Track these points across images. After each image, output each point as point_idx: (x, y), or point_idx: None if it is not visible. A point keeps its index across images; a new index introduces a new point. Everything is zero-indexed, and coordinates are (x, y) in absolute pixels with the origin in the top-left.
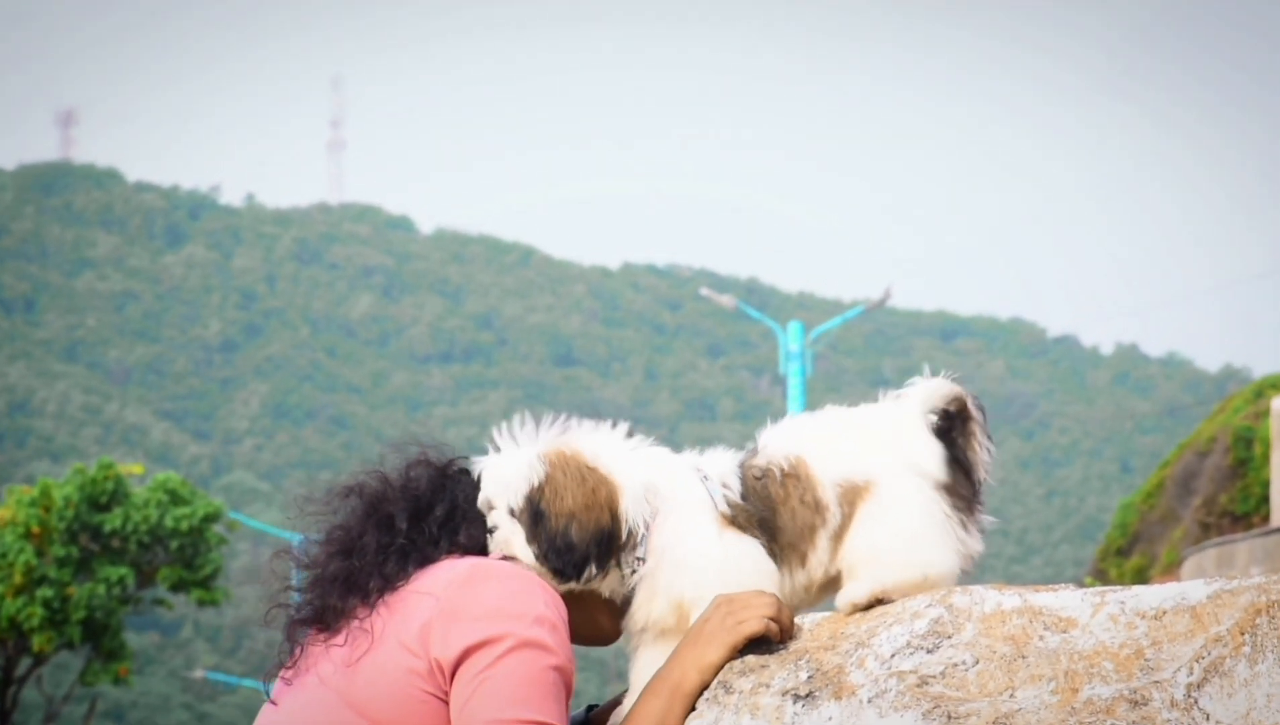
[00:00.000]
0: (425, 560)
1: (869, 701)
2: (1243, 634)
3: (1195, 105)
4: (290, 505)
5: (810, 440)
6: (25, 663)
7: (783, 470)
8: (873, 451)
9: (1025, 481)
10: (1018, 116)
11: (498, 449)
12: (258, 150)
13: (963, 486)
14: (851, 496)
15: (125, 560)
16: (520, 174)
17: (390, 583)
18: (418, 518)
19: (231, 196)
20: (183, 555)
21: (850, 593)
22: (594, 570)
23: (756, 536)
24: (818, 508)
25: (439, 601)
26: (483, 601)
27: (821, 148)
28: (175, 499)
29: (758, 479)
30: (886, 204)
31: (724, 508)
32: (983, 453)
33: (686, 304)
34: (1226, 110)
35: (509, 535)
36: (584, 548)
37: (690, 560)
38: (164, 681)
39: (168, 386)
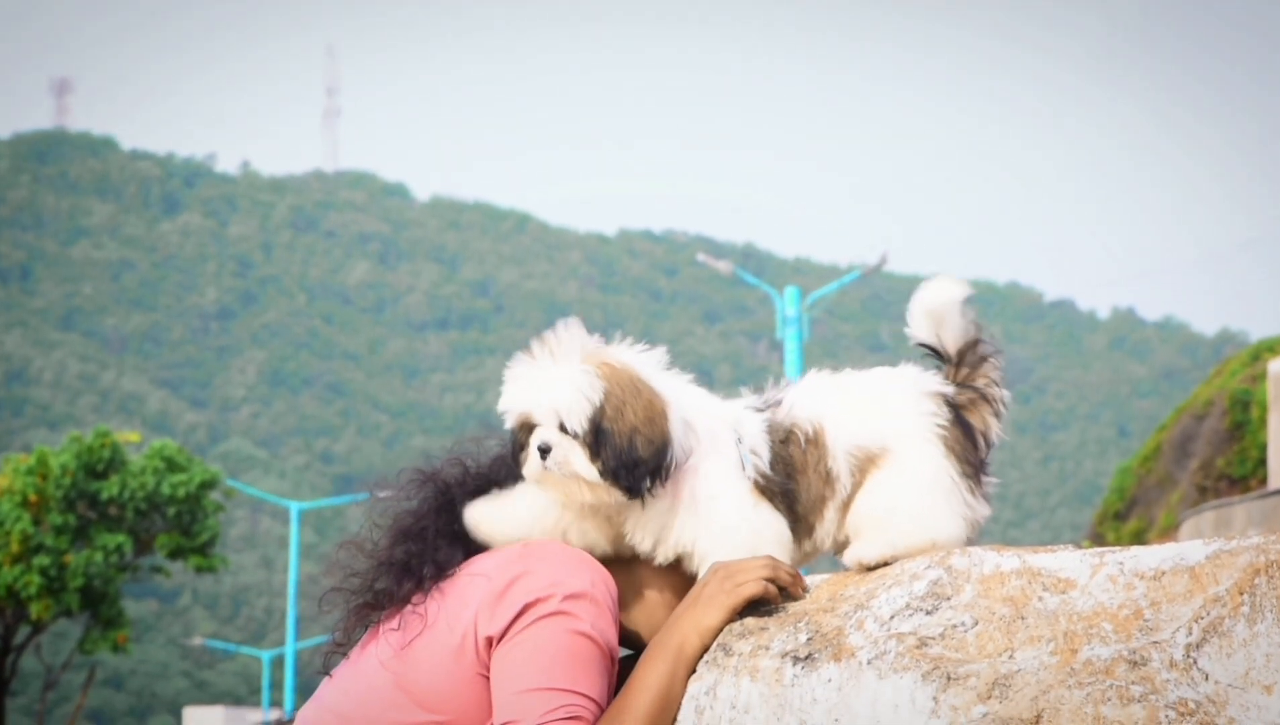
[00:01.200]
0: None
1: (868, 663)
2: (1241, 594)
3: (1195, 73)
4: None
5: (831, 404)
6: (24, 631)
7: (806, 436)
8: (888, 417)
9: (1022, 446)
10: (1017, 83)
11: (531, 361)
12: (253, 118)
13: (970, 453)
14: (864, 464)
15: (123, 528)
16: (516, 141)
17: (444, 569)
18: (453, 528)
19: (227, 164)
20: (180, 522)
21: (859, 552)
22: (655, 484)
23: (780, 510)
24: (829, 479)
25: (490, 581)
26: (529, 578)
27: (818, 113)
28: (172, 466)
29: (782, 442)
30: (883, 169)
31: (753, 475)
32: (994, 421)
33: (683, 270)
34: (1230, 76)
35: (567, 454)
36: (650, 461)
37: (718, 520)
38: (162, 649)
39: (164, 354)
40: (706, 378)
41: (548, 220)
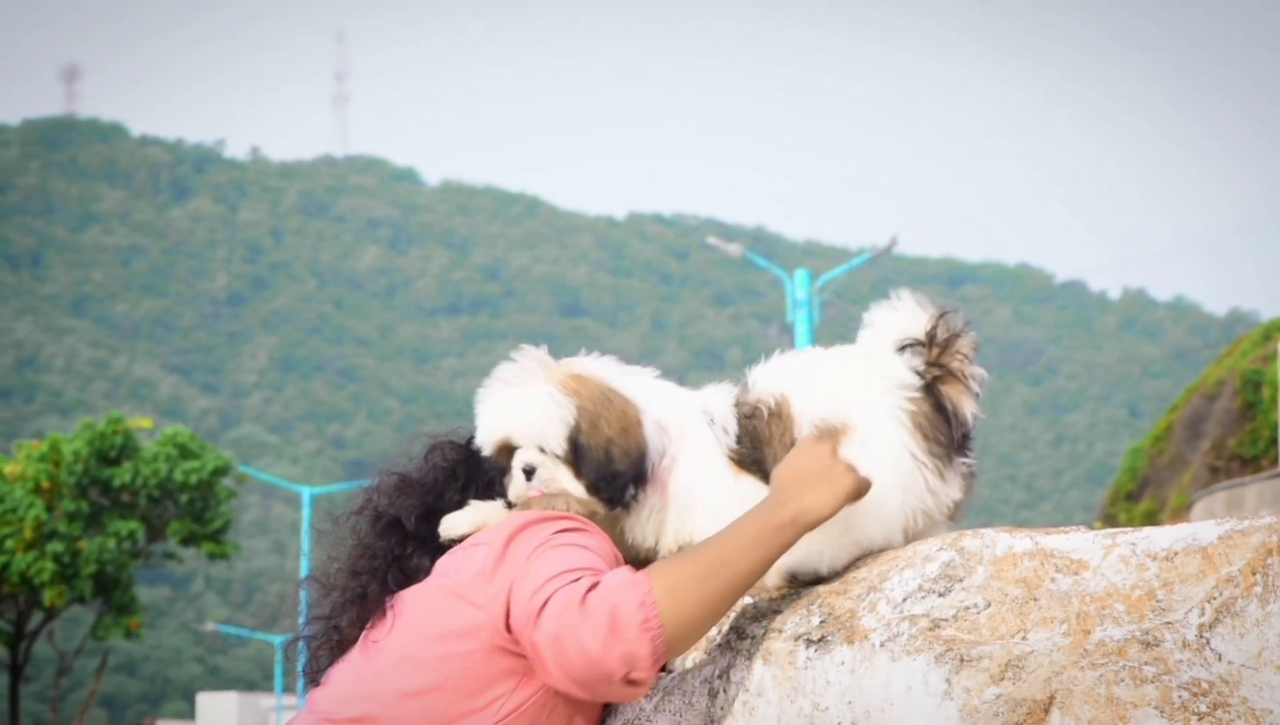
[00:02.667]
0: (440, 548)
1: (881, 645)
2: (1254, 574)
3: (1209, 52)
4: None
5: (795, 379)
6: (37, 617)
7: (769, 409)
8: (853, 393)
9: (1033, 427)
10: (1028, 64)
11: (502, 386)
12: (263, 103)
13: (941, 432)
14: (828, 438)
15: (135, 514)
16: (526, 125)
17: (407, 582)
18: (427, 515)
19: (237, 150)
20: (192, 509)
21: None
22: (636, 492)
23: (760, 479)
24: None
25: (491, 548)
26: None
27: (829, 96)
28: (184, 453)
29: (748, 417)
30: (894, 151)
31: (728, 451)
32: (967, 398)
33: (693, 253)
34: (1243, 56)
35: (553, 472)
36: (628, 470)
37: (705, 500)
38: (175, 635)
39: (175, 340)
40: (717, 361)
41: (558, 204)
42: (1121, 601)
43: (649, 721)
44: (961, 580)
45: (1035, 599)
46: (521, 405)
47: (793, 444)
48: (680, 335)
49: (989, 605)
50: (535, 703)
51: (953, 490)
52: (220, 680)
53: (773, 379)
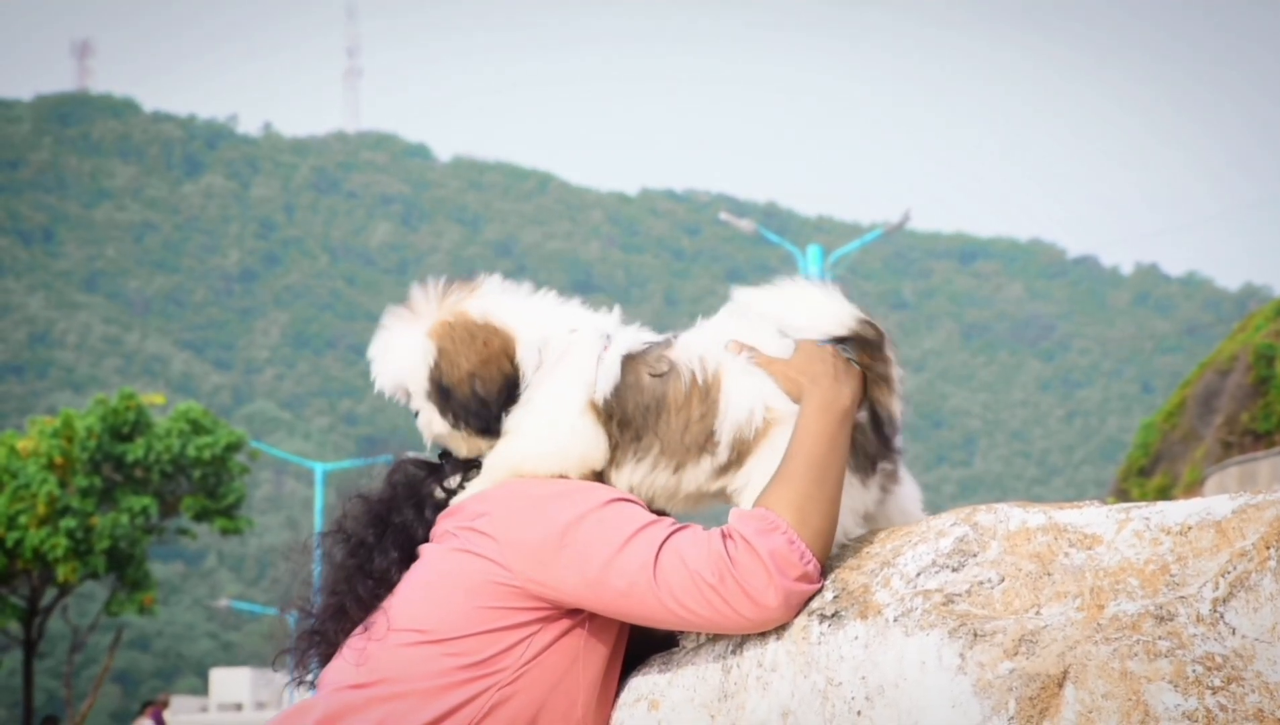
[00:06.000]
0: (409, 557)
1: (895, 620)
2: (1268, 548)
3: (1219, 26)
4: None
5: (731, 357)
6: (51, 593)
7: (694, 376)
8: (776, 393)
9: (1046, 403)
10: (1040, 40)
11: (381, 333)
12: (275, 79)
13: (869, 443)
14: (749, 432)
15: (148, 490)
16: (538, 100)
17: (379, 587)
18: (383, 532)
19: (249, 126)
20: (205, 485)
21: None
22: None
23: (609, 433)
24: (710, 438)
25: (498, 511)
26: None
27: (840, 70)
28: (197, 429)
29: (655, 376)
30: (906, 127)
31: (603, 393)
32: (892, 399)
33: (705, 229)
34: (1254, 30)
35: (430, 417)
36: (493, 401)
37: (533, 423)
38: (189, 610)
39: (188, 316)
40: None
41: (570, 180)
42: (1135, 576)
43: (662, 695)
44: (975, 555)
45: (1049, 574)
46: (391, 354)
47: (709, 434)
48: (692, 311)
49: (1003, 580)
50: (560, 649)
51: (869, 497)
52: (233, 656)
53: (708, 346)
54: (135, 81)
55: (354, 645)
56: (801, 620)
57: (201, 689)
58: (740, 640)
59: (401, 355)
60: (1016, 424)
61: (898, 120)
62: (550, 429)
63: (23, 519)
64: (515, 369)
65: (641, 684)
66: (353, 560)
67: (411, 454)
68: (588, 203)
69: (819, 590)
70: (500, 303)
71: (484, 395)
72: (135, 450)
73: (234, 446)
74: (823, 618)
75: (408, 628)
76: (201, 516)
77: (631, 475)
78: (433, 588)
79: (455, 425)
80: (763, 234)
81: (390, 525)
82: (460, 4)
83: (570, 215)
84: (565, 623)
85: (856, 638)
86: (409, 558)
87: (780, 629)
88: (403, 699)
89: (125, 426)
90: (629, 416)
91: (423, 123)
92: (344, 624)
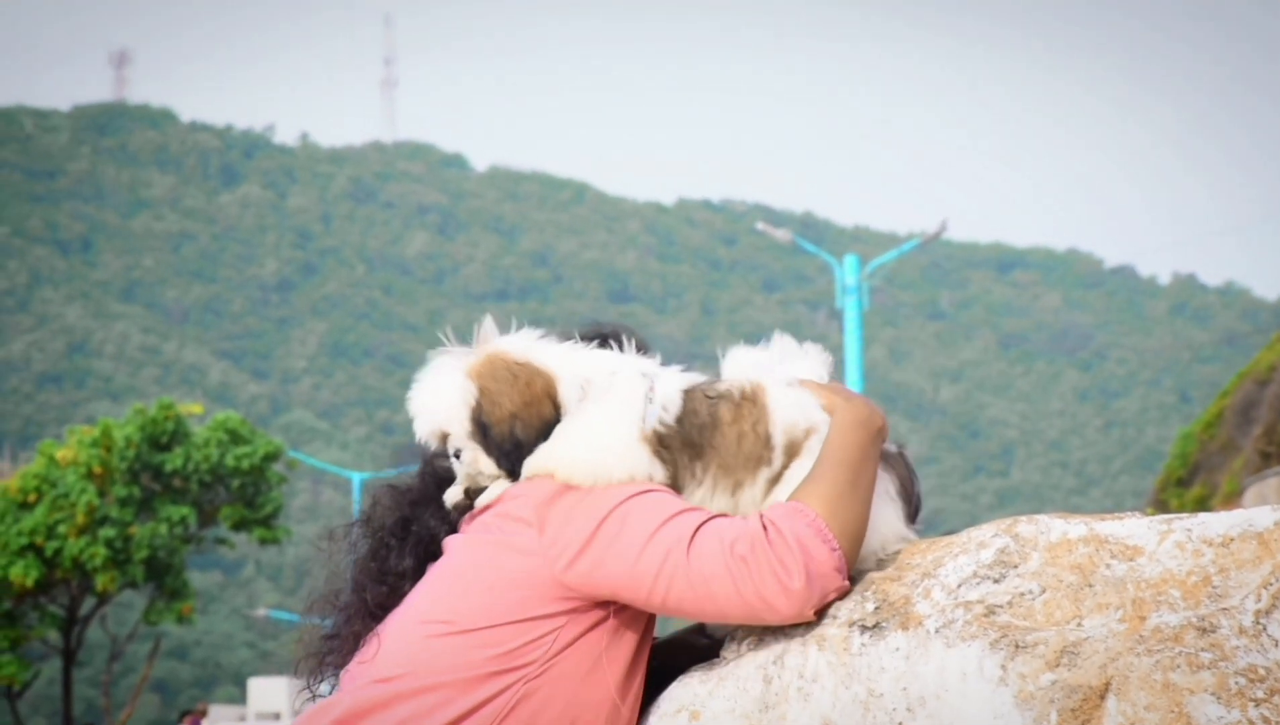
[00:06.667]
0: (428, 555)
1: (936, 632)
2: None
3: (1254, 34)
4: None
5: (771, 372)
6: (90, 602)
7: (742, 392)
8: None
9: (1083, 413)
10: (1075, 49)
11: (421, 381)
12: (311, 89)
13: (906, 491)
14: (799, 433)
15: (187, 500)
16: (574, 110)
17: (404, 577)
18: (402, 531)
19: (286, 136)
20: (244, 494)
21: None
22: None
23: (672, 461)
24: (765, 444)
25: (532, 505)
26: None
27: (878, 81)
28: (235, 438)
29: (710, 399)
30: (942, 136)
31: (652, 426)
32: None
33: (742, 239)
34: None
35: (475, 456)
36: (529, 444)
37: (581, 444)
38: (227, 620)
39: (225, 326)
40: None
41: (606, 190)
42: (1177, 587)
43: (703, 706)
44: (1016, 566)
45: (1090, 585)
46: (433, 397)
47: (765, 439)
48: (728, 321)
49: (1044, 591)
50: (586, 644)
51: (906, 532)
52: (271, 665)
53: (748, 369)
54: (173, 92)
55: (374, 643)
56: (842, 631)
57: (239, 698)
58: (782, 651)
59: (442, 397)
60: (1054, 434)
61: (935, 130)
62: (600, 443)
63: (62, 528)
64: (556, 411)
65: (682, 694)
66: (373, 562)
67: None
68: (624, 212)
69: (846, 591)
70: (537, 345)
71: (521, 437)
72: (174, 460)
73: (272, 456)
74: (864, 628)
75: (435, 619)
76: (239, 526)
77: (690, 499)
78: (461, 579)
79: (498, 463)
80: (799, 244)
81: (415, 524)
82: (496, 14)
83: (606, 225)
84: (593, 616)
85: (898, 649)
86: (428, 560)
87: (821, 639)
88: (430, 693)
89: (164, 436)
90: (690, 438)
91: (459, 132)
92: (359, 627)
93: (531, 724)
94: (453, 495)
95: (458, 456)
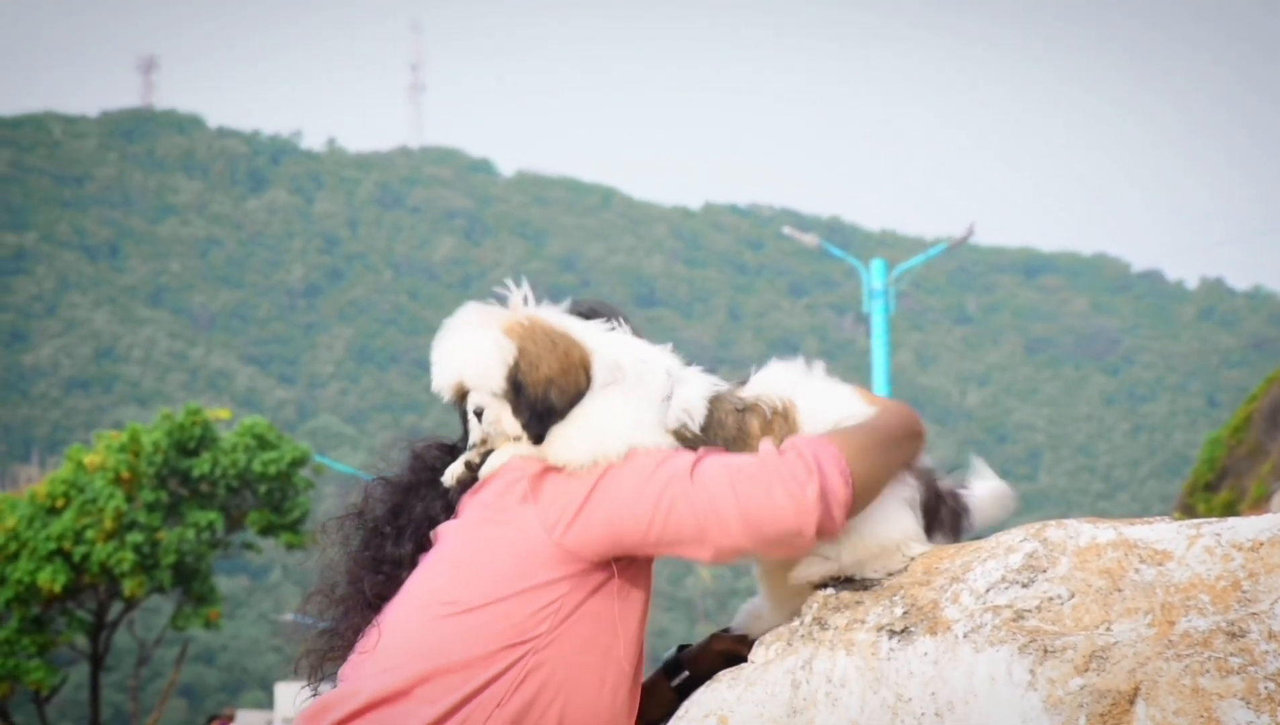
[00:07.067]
0: (423, 541)
1: (964, 636)
2: None
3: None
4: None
5: (802, 387)
6: (117, 607)
7: (774, 408)
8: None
9: (1111, 417)
10: (1101, 51)
11: (450, 335)
12: (339, 94)
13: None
14: None
15: (214, 505)
16: (600, 115)
17: (397, 570)
18: (396, 519)
19: (313, 141)
20: (271, 499)
21: (803, 569)
22: None
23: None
24: None
25: (525, 481)
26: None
27: (904, 85)
28: (262, 444)
29: (739, 411)
30: (969, 141)
31: (674, 424)
32: (966, 518)
33: (769, 243)
34: None
35: (499, 413)
36: (562, 409)
37: (611, 426)
38: (254, 625)
39: (252, 331)
40: (793, 351)
41: (633, 194)
42: (1206, 592)
43: (731, 711)
44: (1045, 571)
45: (1119, 589)
46: (467, 349)
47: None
48: (755, 326)
49: (1073, 596)
50: (591, 610)
51: (914, 531)
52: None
53: (778, 384)
54: (200, 97)
55: (374, 634)
56: (870, 636)
57: (266, 703)
58: (810, 656)
59: (476, 352)
60: (1081, 438)
61: (962, 135)
62: (629, 434)
63: (90, 533)
64: (589, 383)
65: (710, 700)
66: (367, 552)
67: (430, 438)
68: (651, 217)
69: (835, 533)
70: (571, 319)
71: (556, 403)
72: (201, 465)
73: (299, 461)
74: (892, 633)
75: (438, 602)
76: (267, 531)
77: None
78: (460, 562)
79: (525, 426)
80: (826, 249)
81: (411, 510)
82: (523, 19)
83: (633, 230)
84: (596, 579)
85: (926, 654)
86: (423, 546)
87: (849, 644)
88: (445, 675)
89: (191, 441)
90: (715, 449)
91: (486, 137)
92: (358, 619)
93: (544, 693)
94: (453, 471)
95: (478, 414)
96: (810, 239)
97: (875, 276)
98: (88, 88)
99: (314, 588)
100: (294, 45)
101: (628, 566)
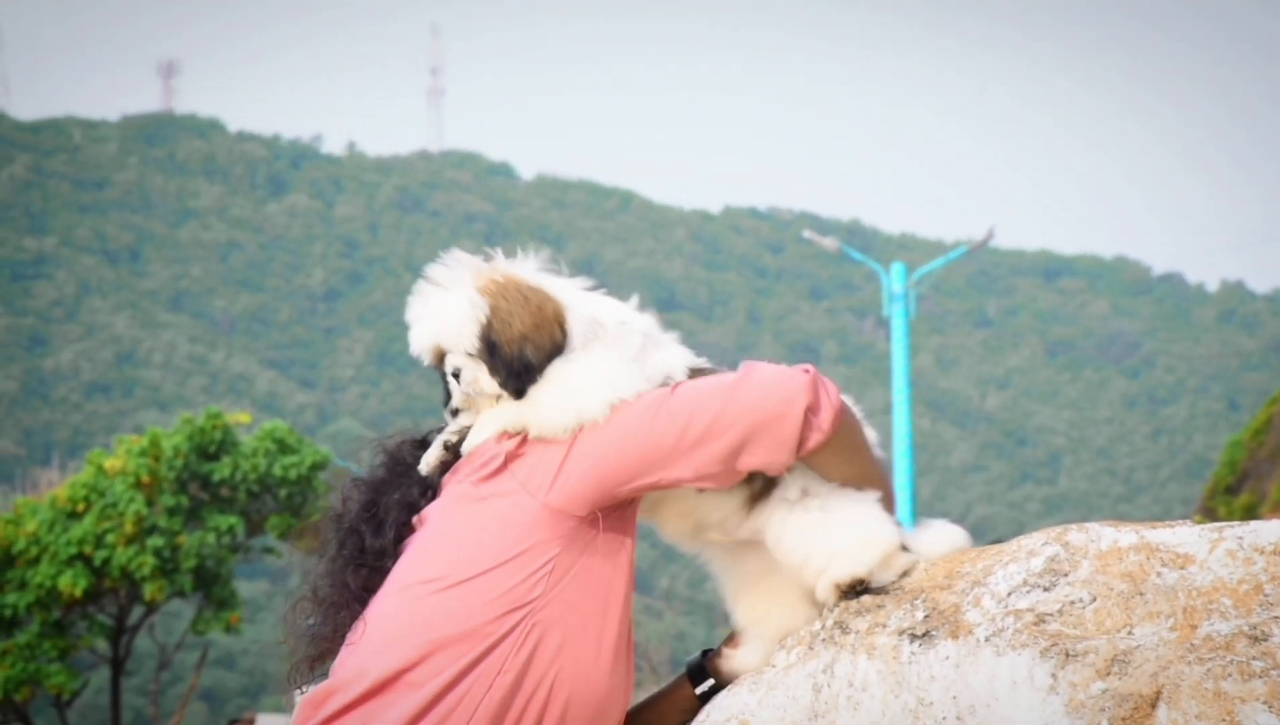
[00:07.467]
0: (405, 529)
1: (986, 640)
2: None
3: None
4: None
5: None
6: (138, 612)
7: None
8: None
9: (1131, 420)
10: (1121, 53)
11: (423, 298)
12: (359, 99)
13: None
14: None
15: (234, 509)
16: (619, 119)
17: (380, 561)
18: (372, 514)
19: (333, 145)
20: (291, 503)
21: (835, 572)
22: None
23: None
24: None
25: (499, 457)
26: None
27: (923, 88)
28: (283, 448)
29: None
30: (989, 144)
31: (655, 381)
32: None
33: (788, 247)
34: None
35: (476, 373)
36: (538, 366)
37: (594, 387)
38: (274, 629)
39: (272, 335)
40: (813, 354)
41: (652, 198)
42: (1229, 595)
43: (753, 715)
44: (1066, 574)
45: (1141, 593)
46: (440, 311)
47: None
48: (775, 329)
49: (1094, 599)
50: (583, 568)
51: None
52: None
53: None
54: (220, 101)
55: (360, 627)
56: (892, 639)
57: (286, 708)
58: (831, 660)
59: (448, 312)
60: (1102, 442)
61: (981, 138)
62: (610, 387)
63: (110, 538)
64: (564, 338)
65: (732, 703)
66: (346, 550)
67: (401, 434)
68: (670, 221)
69: (831, 424)
70: (547, 277)
71: (532, 359)
72: (221, 469)
73: (319, 465)
74: (913, 637)
75: (427, 579)
76: (287, 535)
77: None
78: (446, 538)
79: (502, 384)
80: (846, 252)
81: (388, 503)
82: (543, 23)
83: (653, 233)
84: (586, 537)
85: (947, 657)
86: (404, 535)
87: (870, 648)
88: (447, 647)
89: (211, 445)
90: None
91: (506, 141)
92: (345, 616)
93: (543, 656)
94: (431, 456)
95: (456, 376)
96: (830, 242)
97: (895, 280)
98: (108, 92)
99: (298, 594)
100: (314, 49)
101: (615, 520)
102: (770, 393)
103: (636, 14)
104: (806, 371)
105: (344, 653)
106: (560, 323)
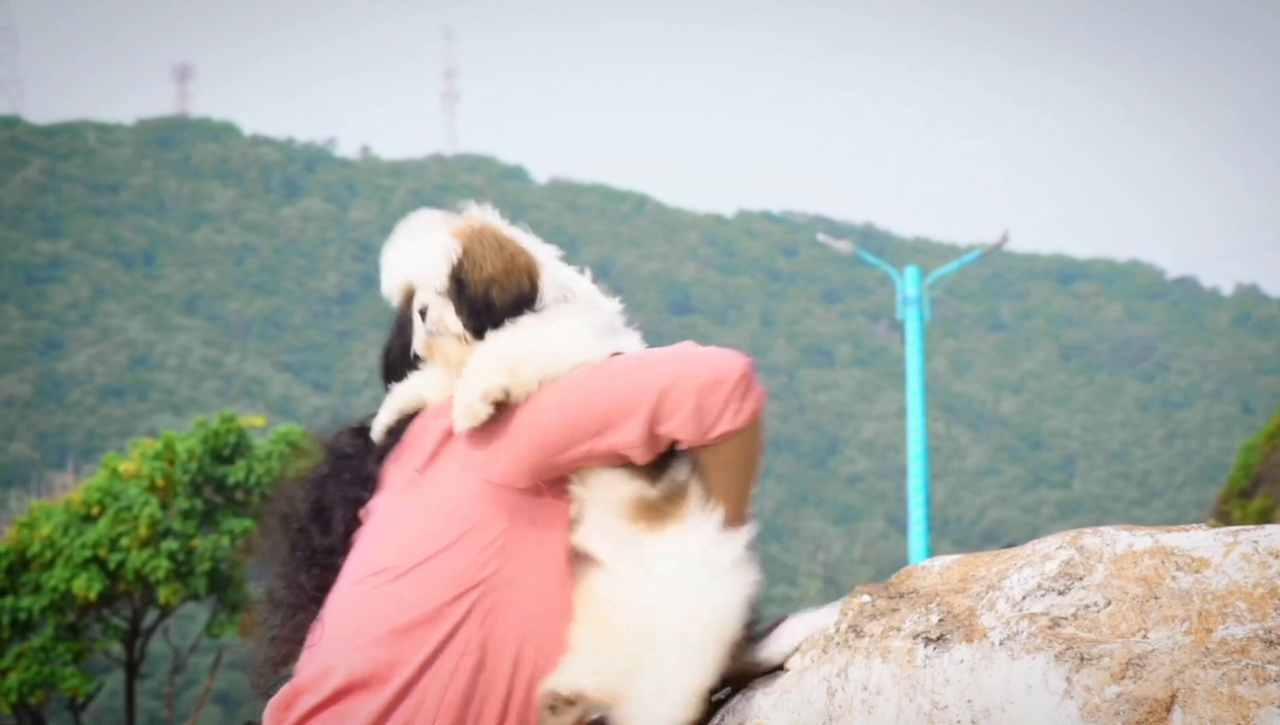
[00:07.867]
0: (353, 523)
1: (1000, 644)
2: None
3: None
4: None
5: None
6: (152, 615)
7: None
8: None
9: (1146, 424)
10: (1135, 57)
11: (399, 238)
12: (373, 102)
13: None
14: None
15: (249, 512)
16: (633, 121)
17: (332, 558)
18: (322, 516)
19: (347, 149)
20: None
21: None
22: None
23: None
24: None
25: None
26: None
27: (937, 91)
28: (297, 451)
29: None
30: (1002, 147)
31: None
32: None
33: (802, 250)
34: None
35: (441, 311)
36: (503, 308)
37: (559, 338)
38: None
39: (286, 338)
40: (826, 357)
41: (665, 201)
42: (1244, 599)
43: (767, 719)
44: (1081, 578)
45: (1156, 597)
46: (413, 252)
47: None
48: (789, 332)
49: (1109, 603)
50: (534, 536)
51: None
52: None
53: None
54: (235, 105)
55: (319, 628)
56: (906, 643)
57: None
58: (845, 664)
59: (420, 251)
60: (1116, 445)
61: (995, 141)
62: (578, 350)
63: (125, 541)
64: (533, 292)
65: (746, 708)
66: (299, 552)
67: (338, 426)
68: (684, 224)
69: (755, 402)
70: (528, 236)
71: (497, 302)
72: (236, 472)
73: None
74: (928, 641)
75: (378, 570)
76: (245, 542)
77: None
78: (392, 528)
79: (465, 323)
80: (860, 255)
81: (332, 499)
82: (556, 26)
83: (667, 236)
84: (530, 510)
85: (962, 661)
86: (353, 530)
87: (885, 652)
88: (405, 636)
89: (226, 449)
90: None
91: (519, 145)
92: (303, 618)
93: (502, 633)
94: (382, 421)
95: (422, 314)
96: (844, 246)
97: (909, 283)
98: (123, 95)
99: (254, 602)
100: (328, 53)
101: (558, 491)
102: (706, 365)
103: (649, 17)
104: (744, 358)
105: (305, 654)
106: (531, 276)
